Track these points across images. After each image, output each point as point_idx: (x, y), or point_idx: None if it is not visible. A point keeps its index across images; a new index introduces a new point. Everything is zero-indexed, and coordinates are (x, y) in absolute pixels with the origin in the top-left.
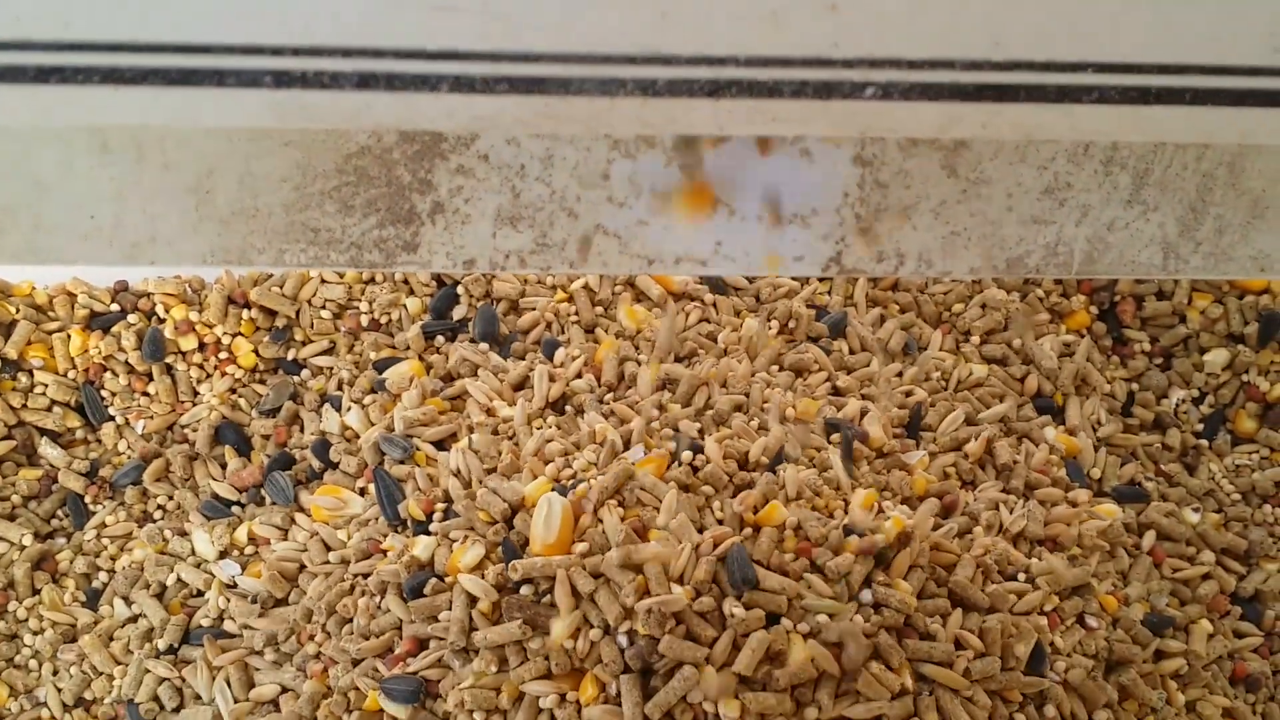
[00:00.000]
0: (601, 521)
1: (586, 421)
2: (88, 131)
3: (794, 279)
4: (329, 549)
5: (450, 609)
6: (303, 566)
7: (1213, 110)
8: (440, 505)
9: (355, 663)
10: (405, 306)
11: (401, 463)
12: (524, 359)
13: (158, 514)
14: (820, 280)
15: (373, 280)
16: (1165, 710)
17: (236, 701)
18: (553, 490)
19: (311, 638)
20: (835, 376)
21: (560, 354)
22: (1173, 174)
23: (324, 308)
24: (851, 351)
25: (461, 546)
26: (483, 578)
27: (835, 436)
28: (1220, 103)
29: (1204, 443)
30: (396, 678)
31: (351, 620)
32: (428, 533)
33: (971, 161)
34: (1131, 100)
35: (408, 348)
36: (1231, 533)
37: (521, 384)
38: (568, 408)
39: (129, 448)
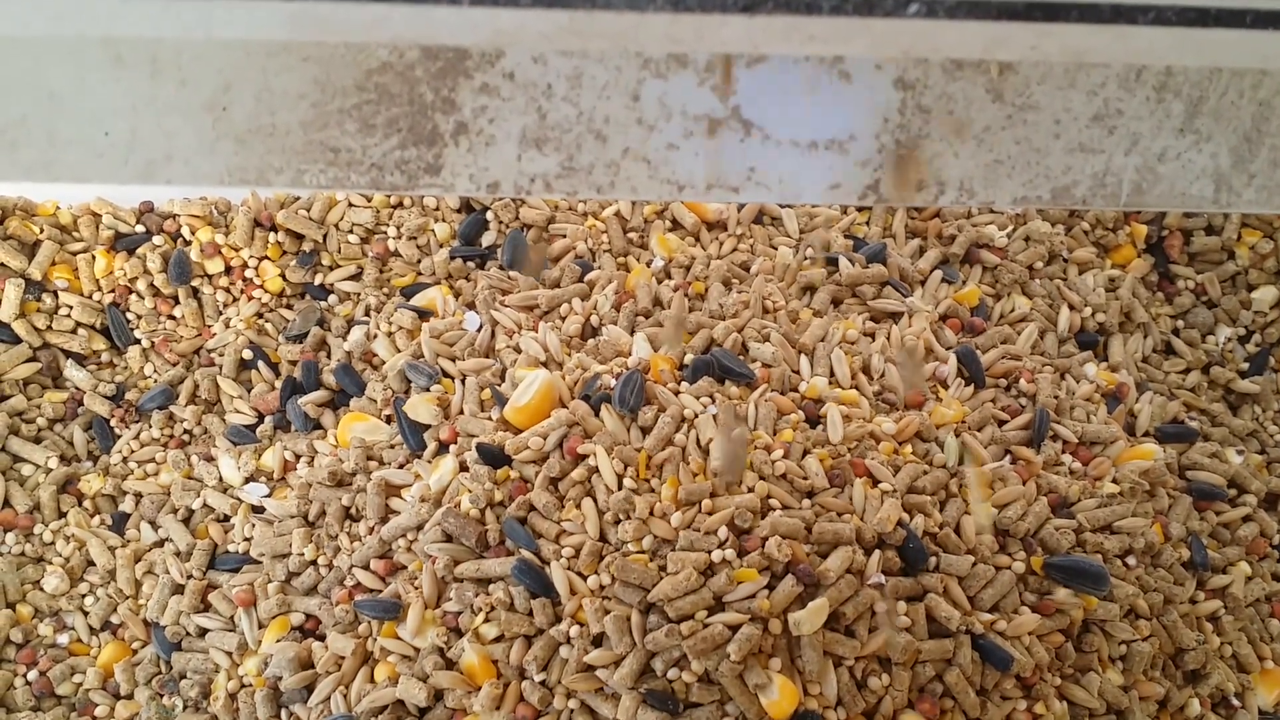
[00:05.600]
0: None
1: (609, 335)
2: (100, 43)
3: (831, 208)
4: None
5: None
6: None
7: (1273, 34)
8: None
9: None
10: (434, 232)
11: (427, 389)
12: (556, 287)
13: (184, 438)
14: (859, 210)
15: (401, 204)
16: (1202, 651)
17: (261, 627)
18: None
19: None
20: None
21: (592, 275)
22: (1228, 102)
23: (351, 232)
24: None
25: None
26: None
27: None
28: None
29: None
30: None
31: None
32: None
33: (1018, 86)
34: (1189, 22)
35: (434, 273)
36: (1275, 475)
37: (551, 311)
38: (602, 331)
39: (155, 371)
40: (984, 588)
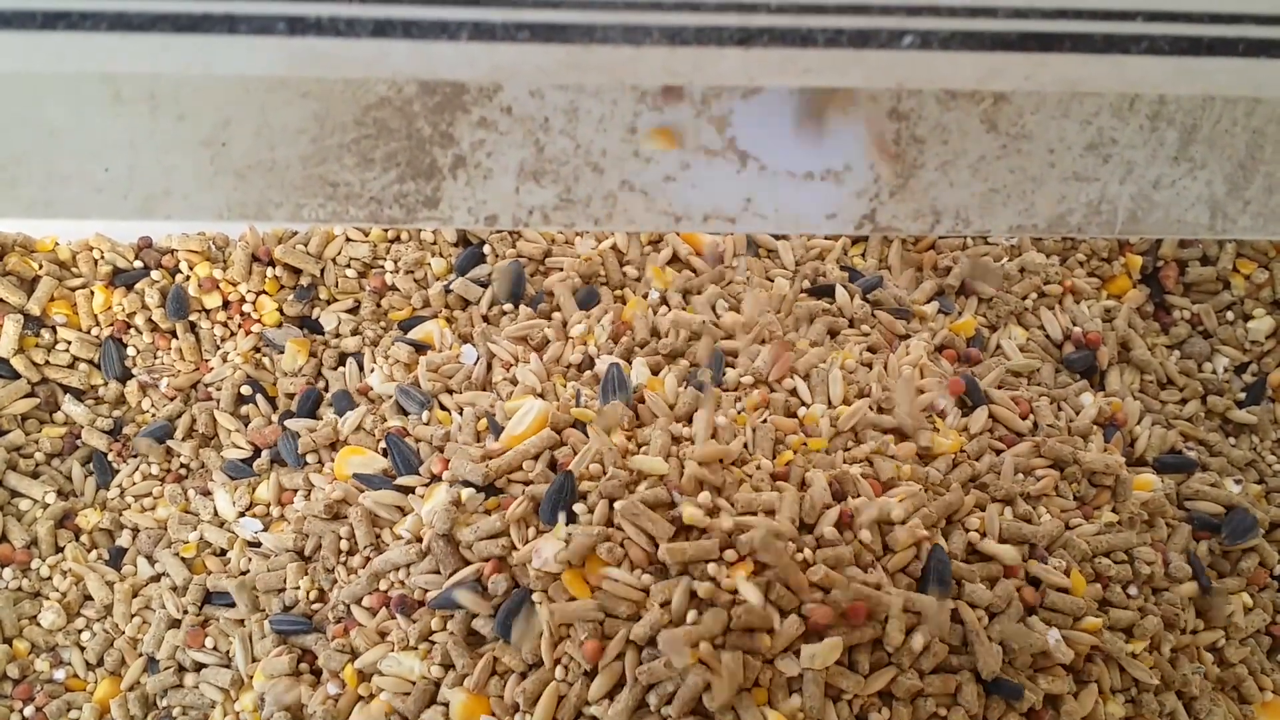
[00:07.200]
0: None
1: (601, 363)
2: (99, 80)
3: (827, 238)
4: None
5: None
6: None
7: (1266, 62)
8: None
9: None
10: (431, 266)
11: (420, 416)
12: (551, 318)
13: (181, 472)
14: (854, 242)
15: (398, 239)
16: (1202, 683)
17: (255, 661)
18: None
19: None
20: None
21: (587, 313)
22: (1222, 130)
23: (349, 266)
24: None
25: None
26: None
27: None
28: (1274, 54)
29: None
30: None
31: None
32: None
33: (1012, 115)
34: (1182, 51)
35: (426, 305)
36: (1274, 505)
37: (544, 345)
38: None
39: (153, 406)
40: (997, 617)
